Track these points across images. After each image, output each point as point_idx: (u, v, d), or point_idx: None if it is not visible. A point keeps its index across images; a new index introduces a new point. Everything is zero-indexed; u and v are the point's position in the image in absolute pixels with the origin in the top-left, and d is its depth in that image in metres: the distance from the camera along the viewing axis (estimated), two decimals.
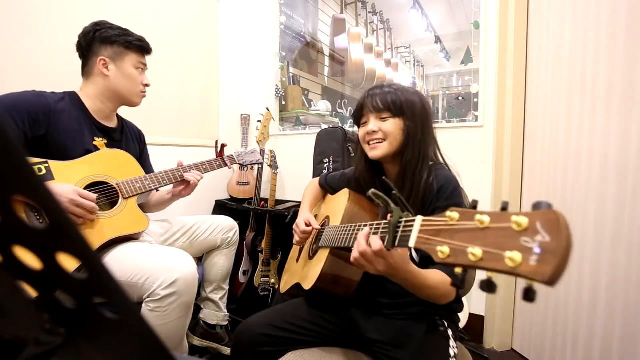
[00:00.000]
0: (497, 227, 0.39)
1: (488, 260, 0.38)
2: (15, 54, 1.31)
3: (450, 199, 0.80)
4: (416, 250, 0.57)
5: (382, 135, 0.85)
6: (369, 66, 1.95)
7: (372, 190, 0.58)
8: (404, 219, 0.56)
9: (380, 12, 1.90)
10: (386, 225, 0.61)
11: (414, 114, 0.85)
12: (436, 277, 0.73)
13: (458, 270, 0.42)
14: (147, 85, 1.24)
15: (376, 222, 0.66)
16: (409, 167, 0.83)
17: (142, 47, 1.20)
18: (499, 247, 0.37)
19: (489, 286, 0.38)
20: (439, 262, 0.43)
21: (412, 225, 0.53)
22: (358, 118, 0.91)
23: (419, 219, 0.52)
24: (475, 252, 0.39)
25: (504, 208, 0.42)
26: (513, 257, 0.35)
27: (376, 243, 0.61)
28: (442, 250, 0.43)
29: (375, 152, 0.87)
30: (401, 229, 0.56)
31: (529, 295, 0.35)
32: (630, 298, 1.12)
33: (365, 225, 0.70)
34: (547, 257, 0.33)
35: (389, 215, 0.60)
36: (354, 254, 0.65)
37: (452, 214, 0.44)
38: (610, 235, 1.16)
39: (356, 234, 0.72)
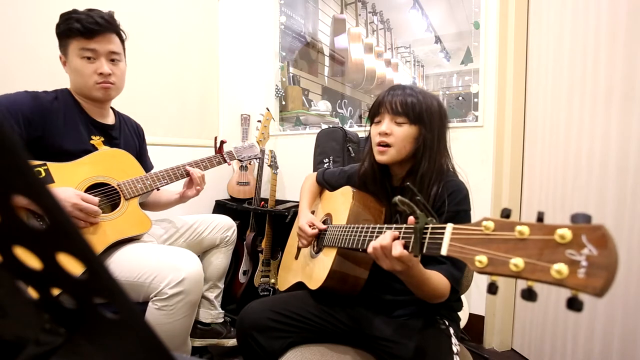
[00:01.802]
0: (538, 238, 0.39)
1: (531, 272, 0.39)
2: (16, 54, 1.31)
3: (460, 205, 0.80)
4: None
5: (392, 140, 0.84)
6: (369, 66, 1.95)
7: (398, 197, 0.58)
8: (430, 225, 0.56)
9: (380, 12, 1.90)
10: (409, 230, 0.60)
11: (432, 124, 0.83)
12: (438, 279, 0.74)
13: (493, 278, 0.42)
14: (104, 74, 1.05)
15: (396, 224, 0.66)
16: (424, 179, 0.82)
17: (79, 31, 0.99)
18: (542, 259, 0.38)
19: (530, 295, 0.39)
20: (476, 271, 0.44)
21: (442, 233, 0.52)
22: (373, 115, 0.89)
23: (450, 226, 0.52)
24: (517, 262, 0.39)
25: (507, 215, 0.43)
26: (560, 269, 0.36)
27: (399, 249, 0.61)
28: (480, 260, 0.43)
29: (382, 157, 0.86)
30: (428, 235, 0.55)
31: (575, 305, 0.35)
32: (630, 298, 1.12)
33: (379, 228, 0.70)
34: (596, 270, 0.34)
35: (409, 219, 0.60)
36: (375, 244, 0.65)
37: (488, 223, 0.45)
38: None
39: (369, 237, 0.72)
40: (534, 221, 0.41)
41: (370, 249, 0.66)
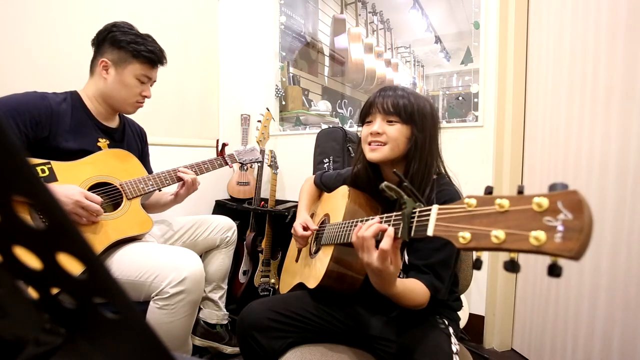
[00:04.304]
0: (517, 209, 0.40)
1: (512, 242, 0.39)
2: (16, 55, 1.31)
3: None
4: (411, 240, 0.57)
5: (385, 139, 0.83)
6: (369, 66, 1.95)
7: (385, 183, 0.58)
8: (418, 210, 0.56)
9: (380, 12, 1.90)
10: (398, 217, 0.61)
11: (424, 125, 0.83)
12: (415, 286, 0.73)
13: (479, 254, 0.43)
14: (145, 97, 1.19)
15: (386, 214, 0.65)
16: (414, 179, 0.82)
17: (150, 59, 1.13)
18: (521, 228, 0.39)
19: (512, 266, 0.40)
20: (461, 248, 0.44)
21: (428, 215, 0.53)
22: (364, 116, 0.89)
23: (435, 207, 0.52)
24: (498, 234, 0.40)
25: (490, 192, 0.44)
26: (538, 236, 0.37)
27: (390, 240, 0.60)
28: (464, 236, 0.44)
29: (374, 154, 0.85)
30: (416, 219, 0.56)
31: (554, 270, 0.36)
32: (630, 298, 1.12)
33: (371, 220, 0.70)
34: (572, 234, 0.35)
35: (402, 207, 0.60)
36: (359, 233, 0.64)
37: (470, 200, 0.45)
38: (610, 235, 1.16)
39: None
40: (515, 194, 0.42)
41: (353, 238, 0.66)
